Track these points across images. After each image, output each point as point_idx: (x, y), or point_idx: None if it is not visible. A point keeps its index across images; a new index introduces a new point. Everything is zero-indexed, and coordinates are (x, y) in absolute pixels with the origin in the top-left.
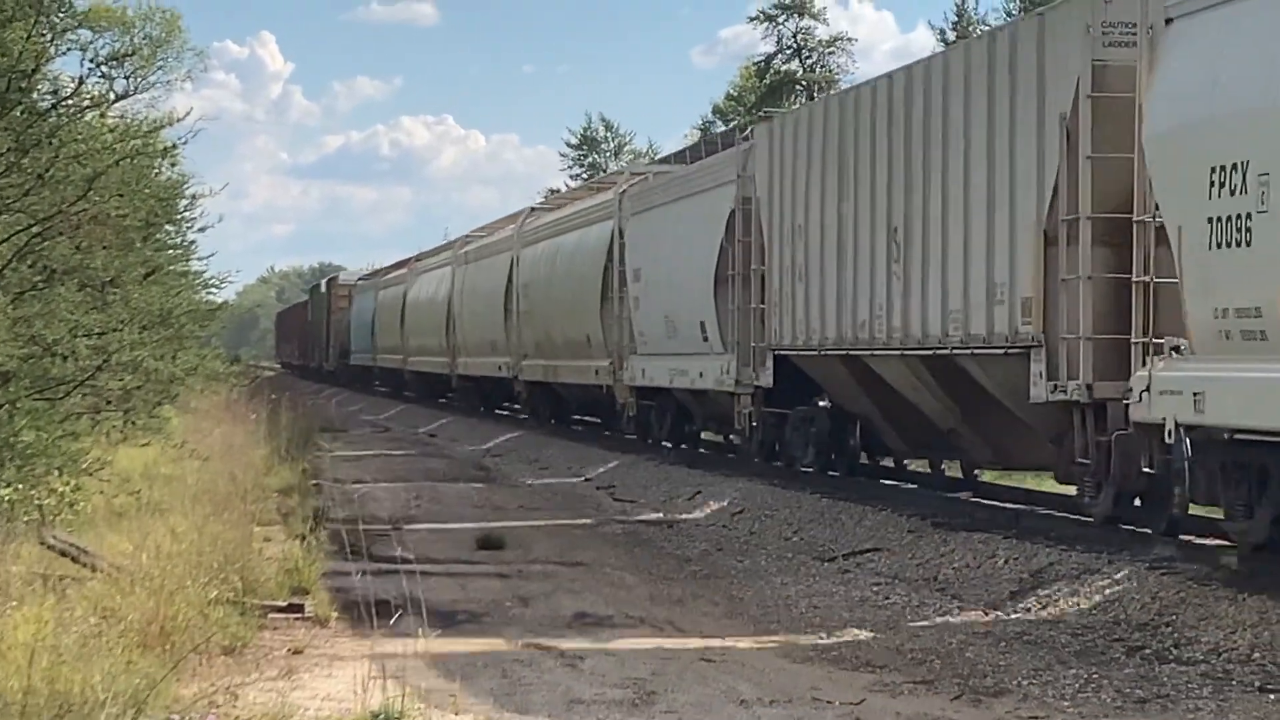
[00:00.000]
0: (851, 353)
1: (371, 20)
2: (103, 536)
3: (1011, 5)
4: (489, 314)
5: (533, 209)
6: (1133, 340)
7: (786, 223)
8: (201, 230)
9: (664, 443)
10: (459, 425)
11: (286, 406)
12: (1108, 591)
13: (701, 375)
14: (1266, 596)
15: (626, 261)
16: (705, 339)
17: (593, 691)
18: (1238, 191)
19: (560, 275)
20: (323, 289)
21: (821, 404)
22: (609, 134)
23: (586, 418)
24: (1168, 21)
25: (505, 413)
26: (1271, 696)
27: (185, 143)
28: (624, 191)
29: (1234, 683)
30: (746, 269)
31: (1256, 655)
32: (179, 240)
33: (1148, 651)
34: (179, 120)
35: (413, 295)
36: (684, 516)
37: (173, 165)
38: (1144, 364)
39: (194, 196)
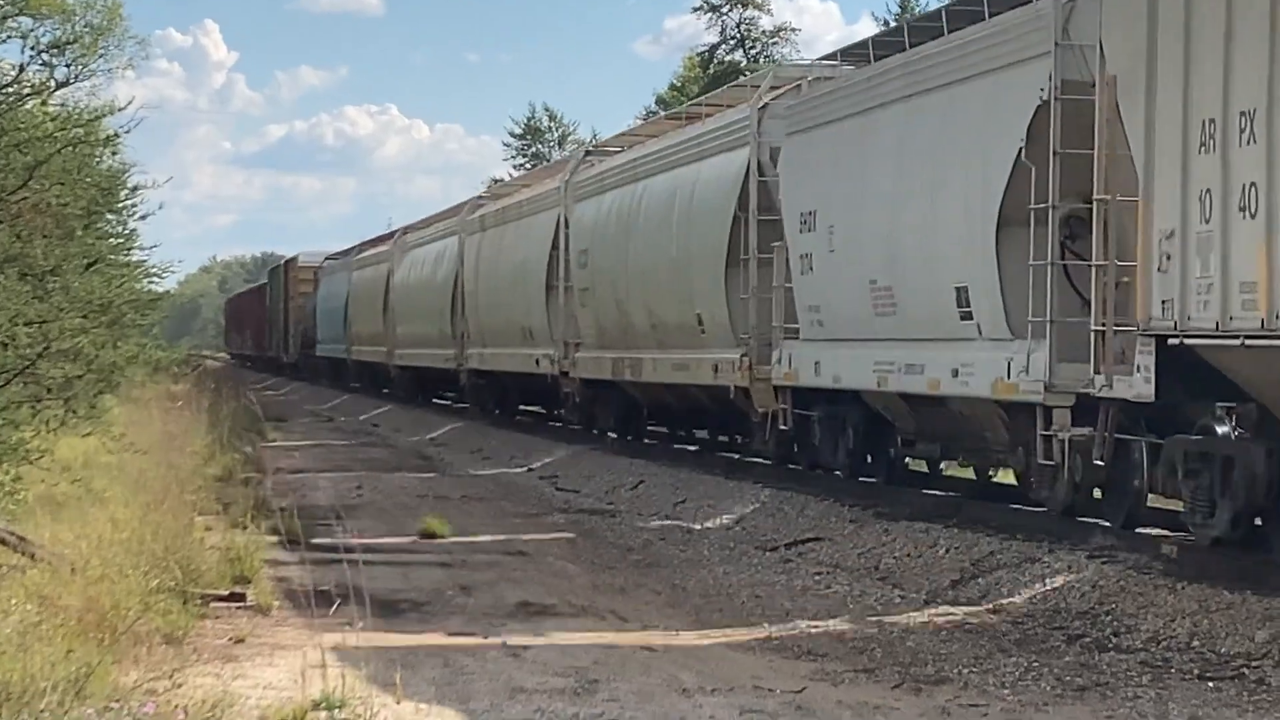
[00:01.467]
0: None
1: (315, 9)
2: (43, 525)
3: None
4: (521, 292)
5: (587, 153)
6: None
7: (1195, 114)
8: (143, 219)
9: (834, 471)
10: (474, 436)
11: (228, 399)
12: (1048, 580)
13: (960, 374)
14: (1205, 585)
15: (784, 205)
16: (967, 316)
17: (535, 680)
18: None
19: (647, 234)
20: (281, 272)
21: (1221, 430)
22: (553, 124)
23: (658, 427)
24: None
25: (527, 417)
26: (1210, 684)
27: (128, 131)
28: (764, 106)
29: (1173, 670)
30: (1074, 200)
31: (1195, 643)
32: (120, 229)
33: (1087, 640)
34: (120, 110)
35: (401, 275)
36: None
37: (114, 154)
38: None
39: (135, 187)
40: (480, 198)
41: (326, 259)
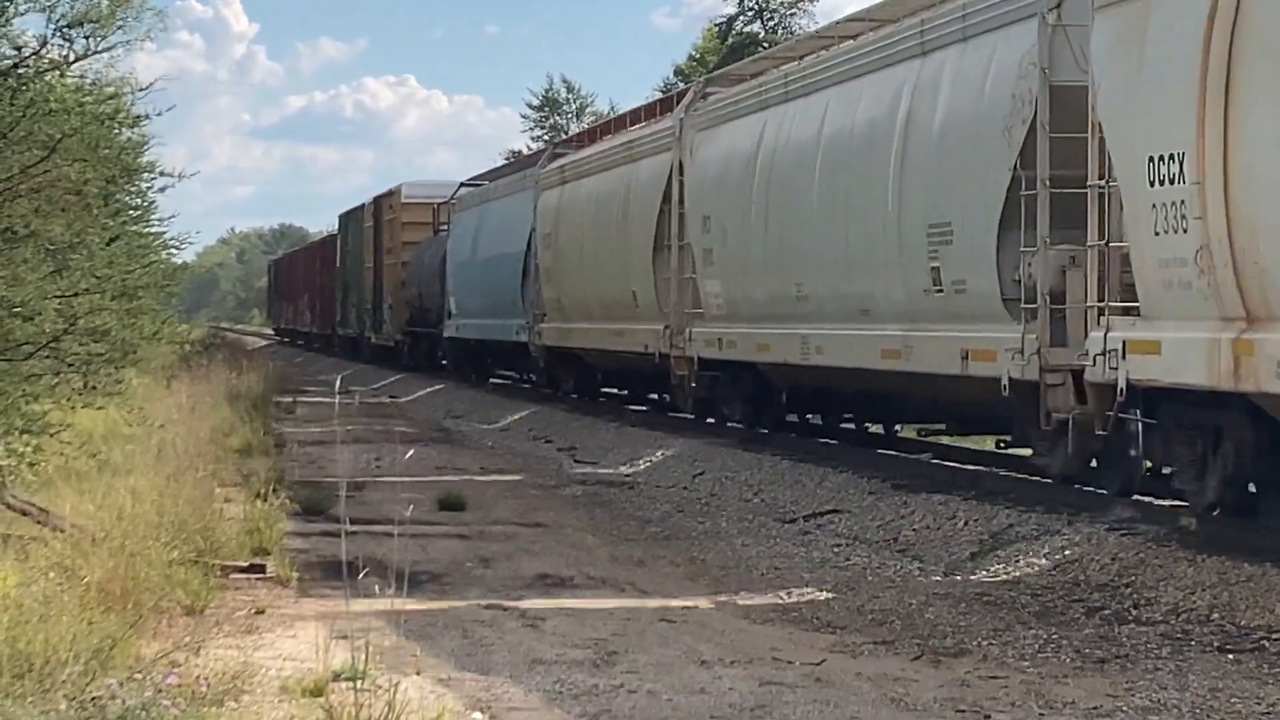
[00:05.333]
0: None
1: None
2: (64, 497)
3: None
4: None
5: None
6: None
7: None
8: (161, 190)
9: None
10: None
11: None
12: (1067, 552)
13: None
14: (1225, 557)
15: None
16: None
17: (554, 652)
18: None
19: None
20: (366, 215)
21: None
22: (570, 96)
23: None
24: None
25: None
26: (1230, 656)
27: (160, 114)
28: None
29: (1193, 643)
30: None
31: (1215, 615)
32: (139, 202)
33: (1107, 612)
34: (142, 91)
35: (716, 169)
36: None
37: (133, 126)
38: None
39: (155, 166)
40: None
41: (463, 185)
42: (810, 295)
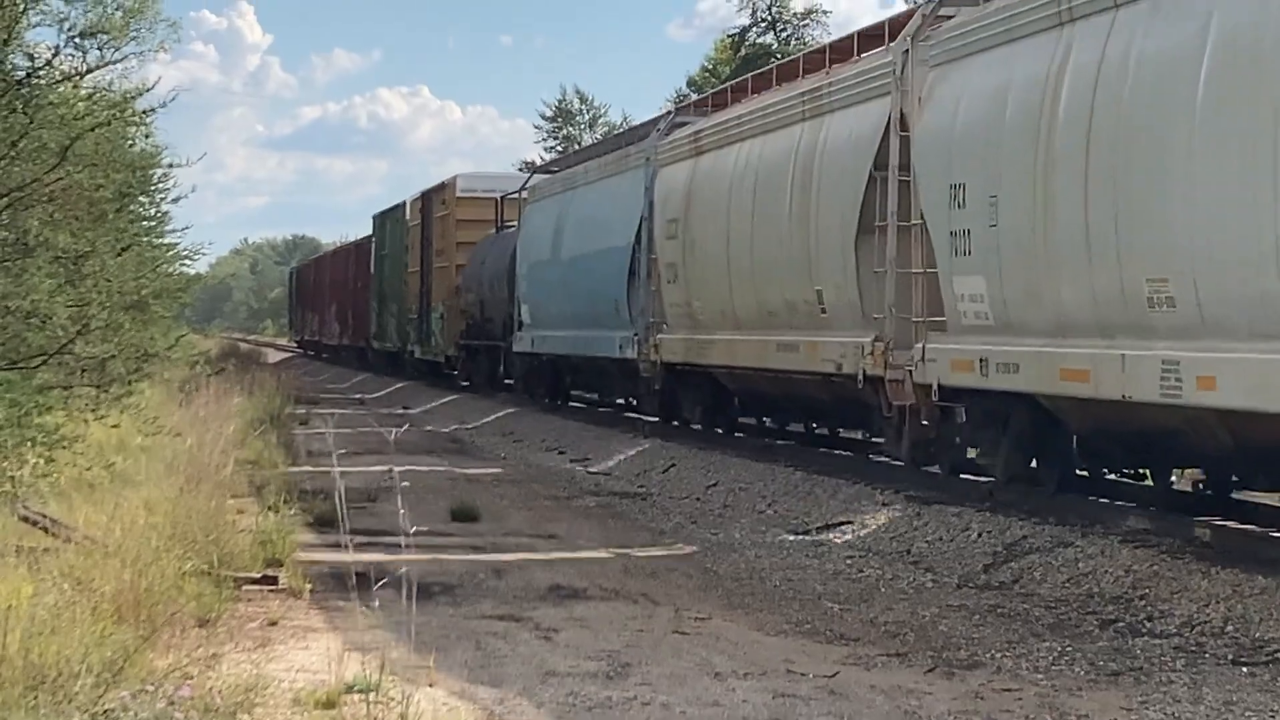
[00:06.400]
0: None
1: None
2: (76, 508)
3: None
4: None
5: None
6: None
7: None
8: (175, 201)
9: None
10: None
11: None
12: (1081, 564)
13: None
14: (1239, 569)
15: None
16: None
17: (567, 664)
18: None
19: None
20: (411, 213)
21: None
22: (583, 106)
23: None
24: None
25: None
26: (1244, 669)
27: (164, 106)
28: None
29: (1207, 656)
30: None
31: (1230, 628)
32: (153, 212)
33: (1121, 624)
34: (149, 90)
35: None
36: None
37: (147, 136)
38: None
39: (171, 164)
40: None
41: (536, 172)
42: (1182, 299)
